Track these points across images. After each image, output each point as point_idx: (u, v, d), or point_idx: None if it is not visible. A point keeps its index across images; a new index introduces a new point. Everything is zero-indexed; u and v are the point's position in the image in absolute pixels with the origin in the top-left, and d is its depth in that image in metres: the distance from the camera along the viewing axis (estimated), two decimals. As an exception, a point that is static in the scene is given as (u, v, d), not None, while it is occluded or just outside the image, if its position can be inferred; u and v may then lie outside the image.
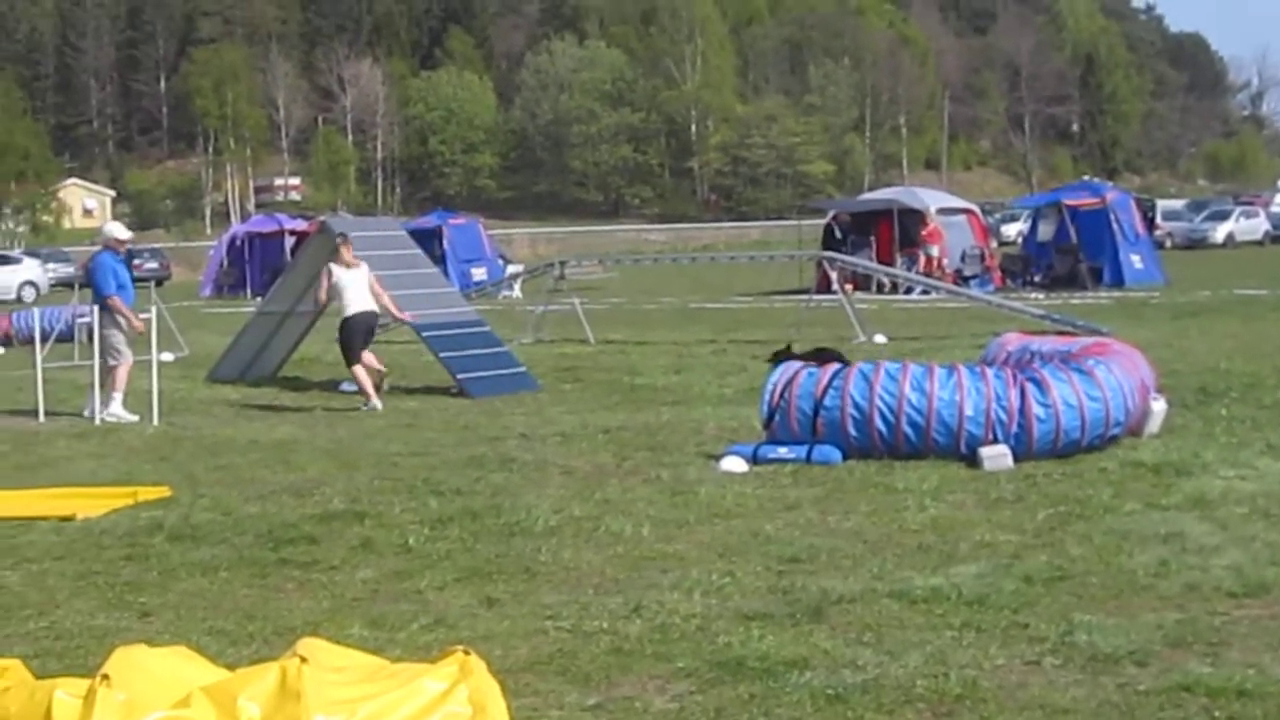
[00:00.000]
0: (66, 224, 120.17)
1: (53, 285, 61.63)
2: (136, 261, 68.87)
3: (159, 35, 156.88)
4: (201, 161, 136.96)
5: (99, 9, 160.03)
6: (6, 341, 30.55)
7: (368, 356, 18.81)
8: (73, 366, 23.50)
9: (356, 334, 18.69)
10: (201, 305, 47.61)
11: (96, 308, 18.38)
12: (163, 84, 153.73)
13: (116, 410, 18.08)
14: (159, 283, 52.44)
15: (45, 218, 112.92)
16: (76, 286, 37.37)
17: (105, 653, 7.57)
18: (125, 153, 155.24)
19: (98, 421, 17.86)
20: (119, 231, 18.93)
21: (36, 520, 11.38)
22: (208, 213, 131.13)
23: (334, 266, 18.85)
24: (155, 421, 17.25)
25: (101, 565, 9.86)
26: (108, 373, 18.30)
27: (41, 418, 18.11)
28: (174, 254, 78.10)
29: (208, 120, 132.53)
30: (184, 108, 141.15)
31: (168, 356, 22.96)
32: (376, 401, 18.29)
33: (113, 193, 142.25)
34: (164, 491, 12.39)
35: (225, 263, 55.79)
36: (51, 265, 67.25)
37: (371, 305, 18.81)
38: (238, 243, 55.98)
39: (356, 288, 18.72)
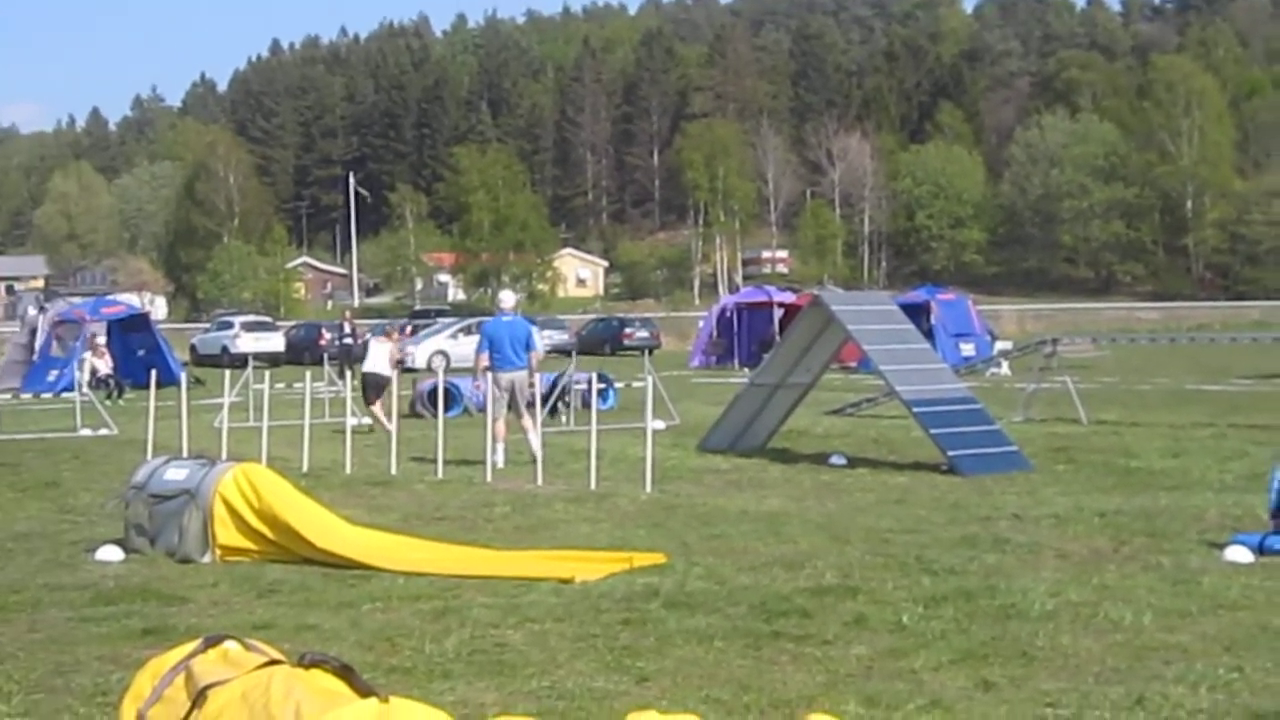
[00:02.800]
0: (561, 292, 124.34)
1: (548, 351, 63.55)
2: (628, 330, 70.90)
3: (653, 111, 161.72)
4: (691, 233, 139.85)
5: (597, 85, 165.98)
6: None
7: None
8: (568, 432, 24.24)
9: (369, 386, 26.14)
10: (690, 375, 48.46)
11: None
12: (655, 158, 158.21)
13: (496, 458, 20.09)
14: (649, 351, 53.61)
15: (541, 286, 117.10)
16: (573, 354, 38.52)
17: (605, 714, 7.76)
18: (618, 224, 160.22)
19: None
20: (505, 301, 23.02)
21: (537, 581, 11.69)
22: (696, 284, 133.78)
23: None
24: (648, 488, 17.55)
25: (600, 628, 10.04)
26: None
27: (539, 481, 18.66)
28: (664, 324, 79.78)
29: (698, 193, 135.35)
30: (675, 181, 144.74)
31: (659, 425, 23.39)
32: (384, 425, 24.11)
33: (605, 263, 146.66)
34: (659, 558, 12.56)
35: (715, 333, 56.70)
36: (547, 332, 69.40)
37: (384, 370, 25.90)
38: (727, 314, 56.84)
39: (377, 354, 26.81)
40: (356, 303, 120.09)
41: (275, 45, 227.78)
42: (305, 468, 20.10)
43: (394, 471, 19.86)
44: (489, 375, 21.13)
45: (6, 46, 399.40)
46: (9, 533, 15.23)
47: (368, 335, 66.58)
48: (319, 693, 5.03)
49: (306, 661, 5.24)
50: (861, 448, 22.47)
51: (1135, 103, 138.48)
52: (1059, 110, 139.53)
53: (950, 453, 19.16)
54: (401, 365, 26.47)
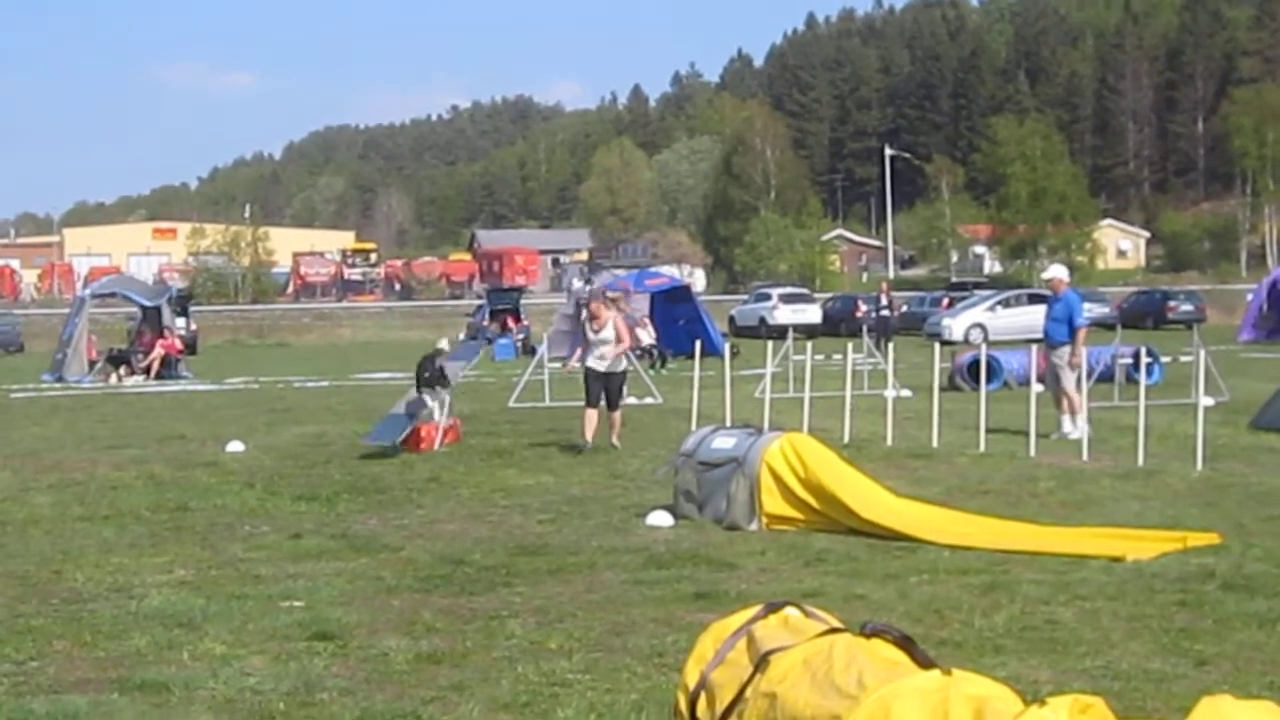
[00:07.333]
0: (1100, 265, 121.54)
1: (1089, 324, 62.30)
2: (1171, 303, 68.87)
3: (1198, 76, 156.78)
4: (1239, 203, 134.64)
5: (1139, 51, 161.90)
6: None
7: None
8: (1113, 407, 23.71)
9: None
10: (1239, 350, 46.74)
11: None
12: (1200, 125, 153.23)
13: (1065, 429, 20.96)
14: (1195, 325, 51.95)
15: (1080, 258, 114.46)
16: (1118, 327, 37.65)
17: (1163, 698, 7.54)
18: (1160, 194, 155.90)
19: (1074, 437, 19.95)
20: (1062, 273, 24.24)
21: (1087, 558, 11.46)
22: (1243, 255, 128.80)
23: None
24: (1199, 466, 16.98)
25: (1154, 609, 9.77)
26: (1060, 395, 21.33)
27: (1085, 456, 18.28)
28: (1208, 296, 77.09)
29: (1246, 161, 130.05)
30: (1221, 148, 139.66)
31: (1209, 401, 22.59)
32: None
33: (1146, 234, 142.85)
34: (1213, 538, 12.15)
35: (1264, 307, 54.48)
36: (1088, 305, 67.86)
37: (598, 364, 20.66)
38: (1279, 287, 54.56)
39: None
40: (892, 275, 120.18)
41: (811, 19, 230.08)
42: (846, 439, 20.22)
43: (935, 444, 19.78)
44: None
45: (552, 28, 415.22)
46: (564, 496, 15.84)
47: (904, 307, 66.81)
48: (881, 662, 5.04)
49: (867, 631, 5.25)
50: None
51: None
52: None
53: None
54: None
